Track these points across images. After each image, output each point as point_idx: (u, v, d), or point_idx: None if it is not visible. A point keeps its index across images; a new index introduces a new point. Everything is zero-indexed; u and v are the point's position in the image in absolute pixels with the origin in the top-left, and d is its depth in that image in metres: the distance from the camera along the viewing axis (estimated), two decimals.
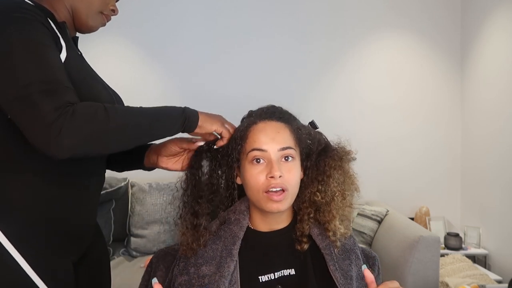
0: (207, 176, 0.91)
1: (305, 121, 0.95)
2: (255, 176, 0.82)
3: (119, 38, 2.84)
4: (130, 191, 2.45)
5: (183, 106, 0.88)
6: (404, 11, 2.98)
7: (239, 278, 0.80)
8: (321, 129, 0.95)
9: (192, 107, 0.89)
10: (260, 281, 0.81)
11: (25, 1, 0.81)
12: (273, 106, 0.92)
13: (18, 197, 0.81)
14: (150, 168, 1.04)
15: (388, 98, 2.98)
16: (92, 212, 1.00)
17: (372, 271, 0.89)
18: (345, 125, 2.87)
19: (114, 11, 1.00)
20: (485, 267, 2.64)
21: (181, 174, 0.93)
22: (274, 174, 0.80)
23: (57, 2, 0.91)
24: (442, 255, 2.45)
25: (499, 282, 2.38)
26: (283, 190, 0.81)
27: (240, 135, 0.87)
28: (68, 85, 0.76)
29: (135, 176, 2.45)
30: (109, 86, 1.02)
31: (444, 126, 3.02)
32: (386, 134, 2.98)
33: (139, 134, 0.82)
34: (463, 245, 2.65)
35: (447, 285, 2.16)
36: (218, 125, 0.90)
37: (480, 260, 2.73)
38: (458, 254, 2.50)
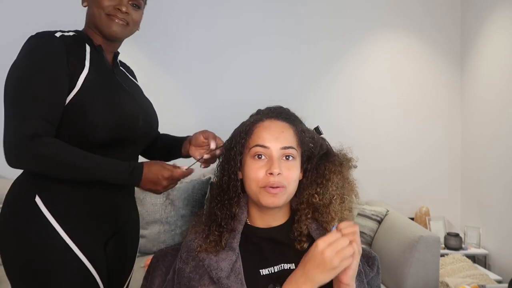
0: (217, 177, 0.93)
1: (307, 123, 0.96)
2: (255, 171, 0.85)
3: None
4: None
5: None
6: (404, 11, 2.99)
7: (242, 270, 0.81)
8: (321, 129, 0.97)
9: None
10: (261, 274, 0.82)
11: (54, 36, 1.01)
12: (281, 107, 0.94)
13: (63, 184, 1.00)
14: (186, 156, 1.21)
15: (388, 98, 2.99)
16: (124, 196, 1.16)
17: (371, 270, 0.90)
18: (345, 125, 2.87)
19: (120, 9, 1.07)
20: (485, 267, 2.64)
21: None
22: (273, 171, 0.83)
23: (90, 30, 1.10)
24: (442, 255, 2.45)
25: (499, 282, 2.39)
26: (281, 187, 0.83)
27: (245, 130, 0.89)
28: (45, 117, 0.94)
29: None
30: (142, 96, 1.20)
31: (444, 126, 3.03)
32: (386, 134, 2.98)
33: (75, 174, 0.98)
34: (463, 245, 2.66)
35: (447, 285, 2.16)
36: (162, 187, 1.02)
37: (480, 260, 2.73)
38: (458, 254, 2.50)
